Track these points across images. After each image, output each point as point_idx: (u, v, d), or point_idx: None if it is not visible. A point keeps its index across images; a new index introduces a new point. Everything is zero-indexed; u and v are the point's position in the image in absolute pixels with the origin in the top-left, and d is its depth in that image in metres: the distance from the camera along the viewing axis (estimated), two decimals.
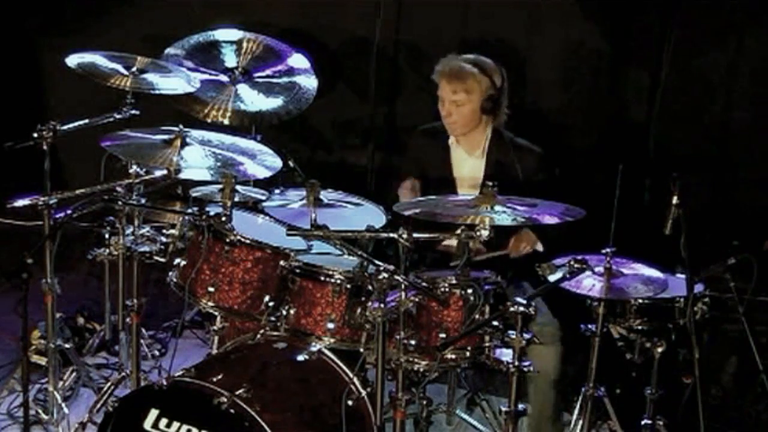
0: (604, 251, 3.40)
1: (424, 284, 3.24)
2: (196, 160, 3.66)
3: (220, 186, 3.54)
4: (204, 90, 4.58)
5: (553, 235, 3.79)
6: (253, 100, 4.71)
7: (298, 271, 3.44)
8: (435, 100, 4.05)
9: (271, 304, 3.49)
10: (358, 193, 3.81)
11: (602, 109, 5.31)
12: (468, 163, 4.10)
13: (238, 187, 3.62)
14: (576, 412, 3.66)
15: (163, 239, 3.93)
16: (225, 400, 2.97)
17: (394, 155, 4.17)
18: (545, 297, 3.68)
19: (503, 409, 3.07)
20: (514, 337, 2.99)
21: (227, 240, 3.50)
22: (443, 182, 4.08)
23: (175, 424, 3.04)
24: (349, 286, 3.33)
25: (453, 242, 3.30)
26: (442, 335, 3.28)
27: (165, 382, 3.09)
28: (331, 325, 3.36)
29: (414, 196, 4.02)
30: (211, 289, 3.52)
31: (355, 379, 3.28)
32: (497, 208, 3.24)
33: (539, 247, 3.91)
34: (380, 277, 3.01)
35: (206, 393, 3.02)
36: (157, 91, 4.20)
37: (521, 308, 2.94)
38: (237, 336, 3.65)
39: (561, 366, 3.76)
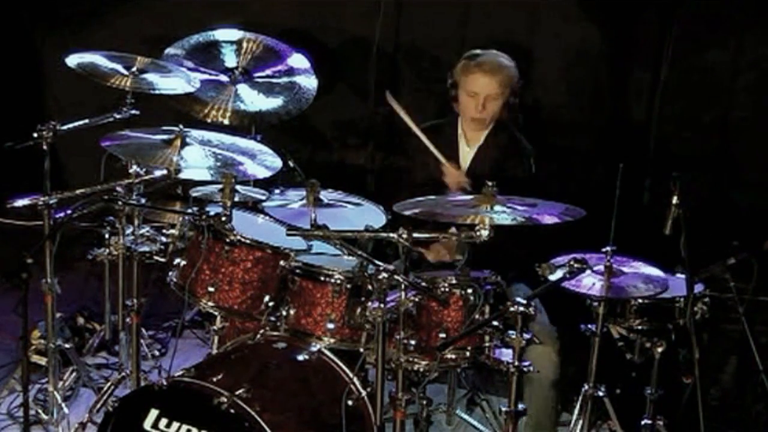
0: (604, 249, 3.41)
1: (424, 284, 3.23)
2: (196, 160, 3.67)
3: (220, 186, 3.54)
4: (204, 90, 4.58)
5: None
6: (253, 100, 4.70)
7: (298, 271, 3.44)
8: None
9: (271, 304, 3.49)
10: (358, 193, 3.81)
11: (602, 109, 5.31)
12: (468, 156, 4.10)
13: (238, 187, 3.62)
14: (576, 412, 3.66)
15: (163, 239, 3.93)
16: (225, 400, 2.97)
17: (394, 155, 4.17)
18: (543, 300, 3.67)
19: (503, 409, 3.06)
20: (514, 337, 2.99)
21: (227, 240, 3.50)
22: None
23: (175, 424, 3.04)
24: (349, 286, 3.33)
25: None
26: (442, 335, 3.28)
27: (165, 382, 3.09)
28: (331, 325, 3.35)
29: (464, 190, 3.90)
30: (211, 289, 3.52)
31: (355, 379, 3.28)
32: (497, 207, 3.24)
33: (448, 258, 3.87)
34: (380, 277, 3.00)
35: (206, 393, 3.02)
36: (157, 91, 4.19)
37: (521, 308, 2.94)
38: (237, 336, 3.65)
39: (560, 366, 3.76)
